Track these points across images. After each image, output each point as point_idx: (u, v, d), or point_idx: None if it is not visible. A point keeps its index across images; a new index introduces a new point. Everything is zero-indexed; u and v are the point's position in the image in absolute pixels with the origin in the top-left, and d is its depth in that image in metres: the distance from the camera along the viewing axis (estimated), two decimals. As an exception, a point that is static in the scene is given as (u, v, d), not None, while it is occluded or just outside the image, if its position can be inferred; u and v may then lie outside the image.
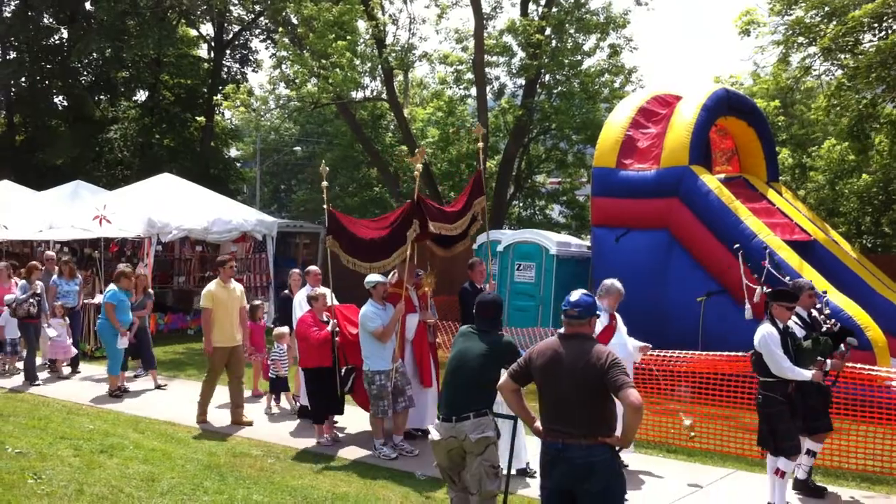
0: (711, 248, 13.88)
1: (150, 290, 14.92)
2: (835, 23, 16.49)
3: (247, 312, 12.03)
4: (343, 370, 10.26)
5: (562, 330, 5.56)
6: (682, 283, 14.04)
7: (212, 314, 11.15)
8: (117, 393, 12.97)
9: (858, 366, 10.09)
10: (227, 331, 11.30)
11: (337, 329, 10.23)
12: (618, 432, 5.44)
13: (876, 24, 16.30)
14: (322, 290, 10.77)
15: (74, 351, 14.82)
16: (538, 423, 5.60)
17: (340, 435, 10.78)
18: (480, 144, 11.94)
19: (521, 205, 28.28)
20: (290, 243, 23.40)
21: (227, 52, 33.35)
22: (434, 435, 6.28)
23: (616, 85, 26.48)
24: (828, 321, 8.81)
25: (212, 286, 11.31)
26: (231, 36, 33.15)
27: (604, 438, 5.28)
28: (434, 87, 29.15)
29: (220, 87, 27.53)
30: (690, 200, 14.24)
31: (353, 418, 11.20)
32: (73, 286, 15.51)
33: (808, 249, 14.21)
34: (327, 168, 11.61)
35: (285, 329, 12.28)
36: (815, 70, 19.19)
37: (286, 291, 12.85)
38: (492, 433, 6.17)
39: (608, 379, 5.18)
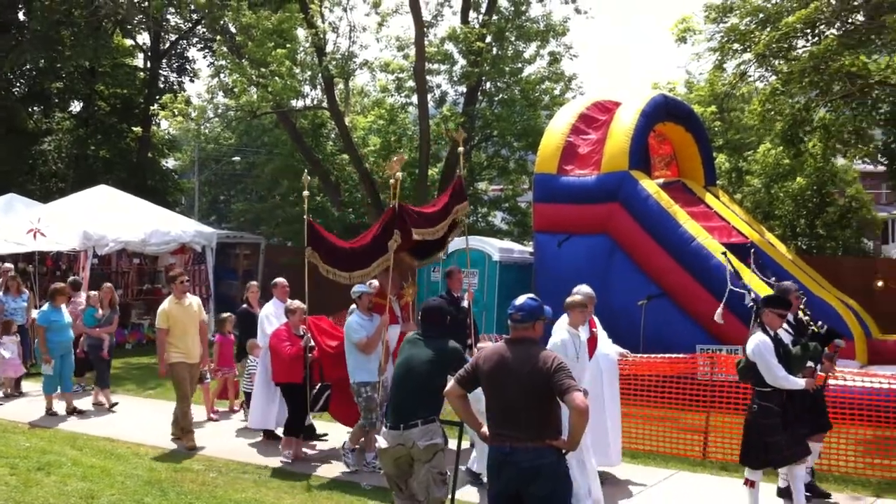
0: (651, 251, 14.06)
1: (117, 306, 14.23)
2: (769, 29, 16.78)
3: (206, 327, 11.48)
4: (316, 388, 9.97)
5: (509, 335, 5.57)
6: (624, 287, 14.16)
7: (167, 334, 10.60)
8: (53, 413, 12.35)
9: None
10: (187, 347, 10.72)
11: (311, 344, 9.93)
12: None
13: (808, 30, 16.60)
14: (297, 303, 10.40)
15: (24, 370, 14.20)
16: (485, 429, 5.59)
17: (311, 452, 10.47)
18: (461, 149, 11.76)
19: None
20: (229, 254, 23.10)
21: (164, 61, 32.88)
22: (381, 443, 6.23)
23: (556, 92, 26.70)
24: (812, 323, 8.68)
25: (166, 304, 10.77)
26: (168, 45, 32.67)
27: (550, 441, 5.29)
28: (375, 95, 29.07)
29: (157, 97, 27.09)
30: (630, 205, 14.40)
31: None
32: (20, 303, 14.87)
33: (745, 252, 14.43)
34: (309, 178, 11.30)
35: (257, 341, 11.76)
36: (750, 76, 19.50)
37: (245, 306, 12.45)
38: (440, 440, 6.14)
39: (554, 382, 5.18)
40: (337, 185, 26.39)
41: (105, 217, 18.97)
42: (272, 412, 10.83)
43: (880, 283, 16.00)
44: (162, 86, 31.93)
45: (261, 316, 11.33)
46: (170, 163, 37.84)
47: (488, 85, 25.78)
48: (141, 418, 12.28)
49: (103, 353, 13.04)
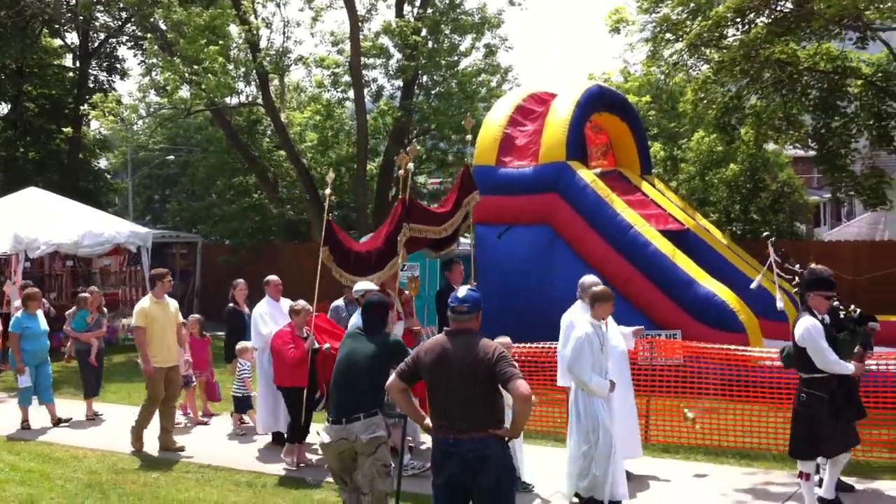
0: (590, 241, 14.17)
1: (105, 310, 13.52)
2: (700, 19, 17.00)
3: (183, 329, 11.09)
4: (317, 395, 9.51)
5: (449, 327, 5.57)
6: (565, 277, 14.22)
7: (145, 333, 10.19)
8: (27, 426, 11.69)
9: (733, 347, 10.47)
10: (164, 350, 10.35)
11: (316, 346, 9.43)
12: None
13: (738, 19, 16.85)
14: (303, 303, 9.78)
15: None
16: (428, 420, 5.59)
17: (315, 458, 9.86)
18: (469, 137, 11.77)
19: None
20: (166, 254, 22.76)
21: (94, 60, 32.20)
22: (324, 437, 6.19)
23: (493, 84, 26.80)
24: (844, 307, 8.20)
25: (145, 303, 10.37)
26: (97, 44, 32.00)
27: (494, 431, 5.31)
28: (311, 91, 28.86)
29: (87, 97, 26.53)
30: (569, 195, 14.50)
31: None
32: None
33: (681, 238, 14.64)
34: (332, 175, 10.82)
35: (248, 343, 11.36)
36: (683, 65, 19.76)
37: (231, 305, 11.95)
38: (382, 433, 6.12)
39: (497, 372, 5.20)
40: (275, 181, 26.17)
41: (36, 219, 18.59)
42: (281, 414, 10.26)
43: (813, 266, 16.26)
44: (92, 85, 31.28)
45: (254, 315, 10.71)
46: (102, 163, 37.13)
47: (425, 78, 25.76)
48: (80, 422, 12.06)
49: (91, 358, 12.41)
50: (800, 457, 7.43)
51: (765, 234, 12.66)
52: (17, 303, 13.87)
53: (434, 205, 12.47)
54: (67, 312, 12.96)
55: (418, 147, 26.46)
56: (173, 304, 10.68)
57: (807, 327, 7.12)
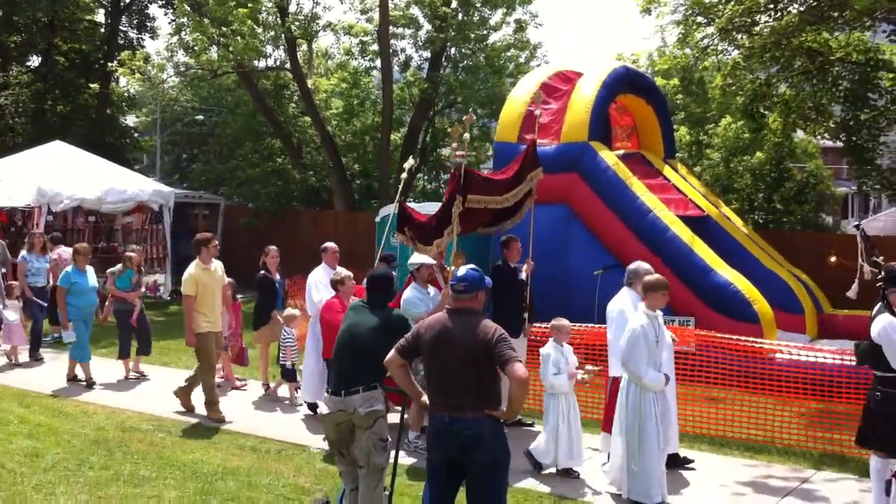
0: (608, 222, 14.11)
1: (143, 268, 13.28)
2: (732, 3, 16.79)
3: (229, 293, 11.06)
4: None
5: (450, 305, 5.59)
6: (581, 257, 14.22)
7: (194, 301, 10.02)
8: (89, 382, 11.70)
9: (744, 338, 10.41)
10: (213, 315, 10.21)
11: None
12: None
13: (772, 6, 16.62)
14: (344, 271, 9.59)
15: (26, 340, 13.35)
16: (425, 398, 5.62)
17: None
18: (539, 112, 11.00)
19: (425, 178, 28.22)
20: (188, 214, 22.86)
21: (124, 17, 32.24)
22: (323, 408, 6.24)
23: (521, 60, 26.62)
24: None
25: (192, 269, 10.12)
26: (128, 1, 32.09)
27: (490, 412, 5.33)
28: (339, 57, 28.79)
29: (117, 53, 26.58)
30: (589, 176, 14.41)
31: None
32: (43, 262, 14.05)
33: (701, 224, 14.54)
34: (412, 161, 10.67)
35: (296, 311, 11.34)
36: (713, 50, 19.54)
37: (262, 272, 11.71)
38: (381, 406, 6.14)
39: (495, 353, 5.21)
40: (299, 147, 26.19)
41: (61, 173, 18.75)
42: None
43: (833, 259, 16.16)
44: (121, 42, 31.37)
45: (309, 282, 10.53)
46: (130, 120, 37.24)
47: (453, 51, 25.59)
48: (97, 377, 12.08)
49: (132, 319, 12.24)
50: (877, 447, 7.07)
51: (854, 223, 12.23)
52: (24, 252, 14.05)
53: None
54: (109, 271, 12.69)
55: (451, 122, 26.45)
56: (220, 267, 10.51)
57: (884, 325, 6.84)
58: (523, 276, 10.05)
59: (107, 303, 12.69)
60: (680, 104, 26.16)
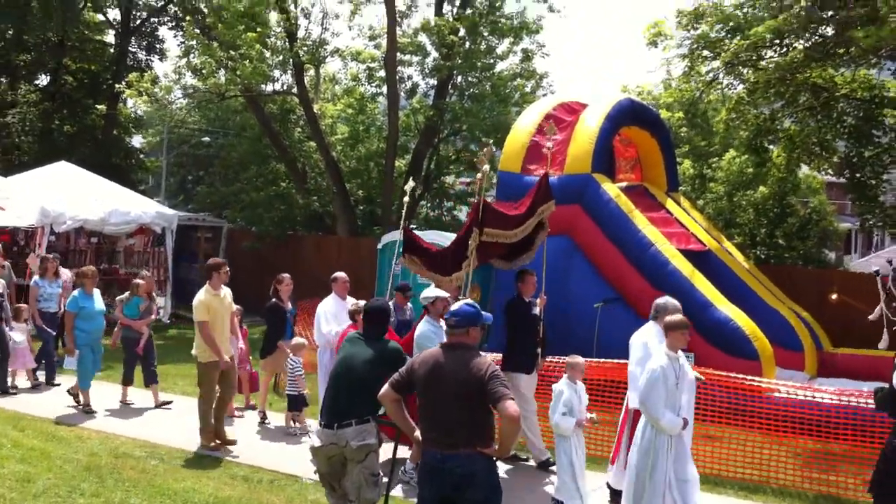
0: (610, 255, 14.09)
1: (154, 294, 12.94)
2: (738, 38, 16.88)
3: (237, 319, 10.91)
4: None
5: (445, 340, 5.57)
6: (582, 290, 14.19)
7: (209, 326, 9.89)
8: (88, 410, 11.58)
9: (741, 376, 10.36)
10: (223, 343, 10.14)
11: None
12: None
13: (777, 41, 16.72)
14: (364, 303, 9.53)
15: (33, 363, 13.17)
16: (418, 433, 5.58)
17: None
18: (550, 145, 11.01)
19: (429, 205, 28.27)
20: (190, 237, 22.88)
21: (134, 38, 32.48)
22: (315, 441, 6.19)
23: (527, 89, 26.70)
24: None
25: (202, 295, 10.00)
26: (139, 22, 32.30)
27: (482, 449, 5.28)
28: (346, 83, 28.94)
29: (125, 74, 26.73)
30: (591, 208, 14.41)
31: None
32: (55, 288, 13.76)
33: (702, 259, 14.53)
34: (413, 184, 10.71)
35: (304, 341, 11.25)
36: (718, 84, 19.63)
37: (274, 300, 11.57)
38: (373, 440, 6.11)
39: (488, 390, 5.18)
40: (303, 172, 26.26)
41: (65, 194, 18.80)
42: None
43: (834, 296, 16.15)
44: (130, 63, 31.55)
45: (319, 312, 10.54)
46: (136, 141, 37.41)
47: (459, 79, 25.74)
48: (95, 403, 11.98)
49: (139, 348, 12.12)
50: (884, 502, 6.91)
51: (874, 269, 12.19)
52: (37, 277, 13.97)
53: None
54: (118, 298, 12.63)
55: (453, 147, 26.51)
56: (228, 293, 10.43)
57: None
58: (537, 310, 9.95)
59: (115, 329, 12.50)
60: (684, 137, 26.23)
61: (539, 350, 9.84)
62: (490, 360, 5.45)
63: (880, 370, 13.66)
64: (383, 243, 18.28)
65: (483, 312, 5.69)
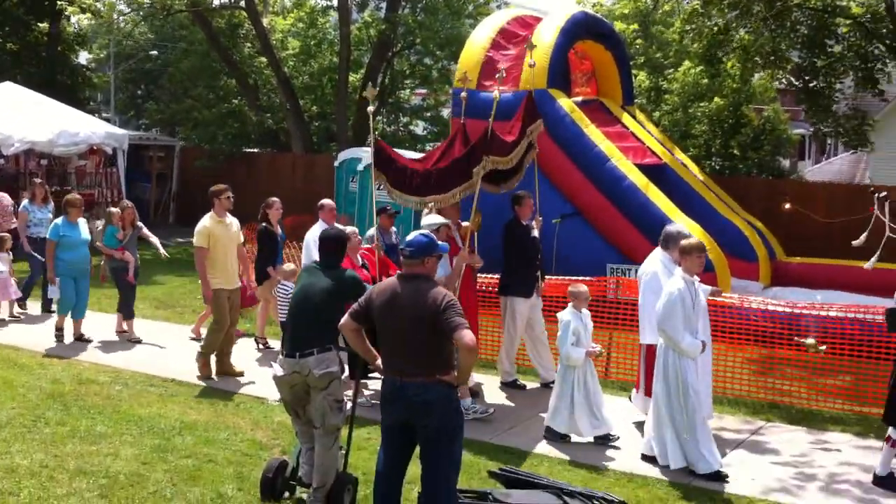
0: (566, 171, 14.12)
1: (140, 224, 12.15)
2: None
3: (244, 249, 10.62)
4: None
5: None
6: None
7: (207, 254, 9.70)
8: (79, 337, 11.35)
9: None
10: (228, 271, 9.92)
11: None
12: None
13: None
14: (352, 229, 9.14)
15: (16, 293, 12.65)
16: (380, 361, 5.66)
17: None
18: (529, 61, 10.71)
19: (384, 120, 28.00)
20: (142, 157, 22.57)
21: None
22: (277, 370, 6.24)
23: (480, 1, 26.31)
24: None
25: (206, 221, 9.78)
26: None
27: (441, 376, 5.37)
28: (296, -5, 28.32)
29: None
30: (547, 123, 14.27)
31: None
32: (45, 213, 13.22)
33: (658, 173, 14.62)
34: (375, 90, 10.17)
35: (293, 266, 10.84)
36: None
37: (264, 224, 11.31)
38: (335, 368, 6.16)
39: (443, 320, 5.22)
40: (255, 88, 25.80)
41: (11, 115, 18.38)
42: None
43: (787, 206, 16.39)
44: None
45: (307, 239, 10.41)
46: (82, 58, 36.37)
47: (412, -10, 25.29)
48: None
49: (129, 276, 11.64)
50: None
51: (872, 190, 12.22)
52: (26, 202, 13.45)
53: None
54: (96, 228, 12.30)
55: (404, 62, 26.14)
56: (235, 222, 10.20)
57: None
58: (535, 233, 9.83)
59: (101, 263, 12.05)
60: (639, 49, 26.10)
61: (539, 273, 9.76)
62: (447, 290, 5.49)
63: (833, 278, 14.05)
64: (340, 160, 18.18)
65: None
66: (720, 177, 19.67)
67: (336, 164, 18.25)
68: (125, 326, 11.89)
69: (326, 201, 10.87)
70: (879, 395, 7.98)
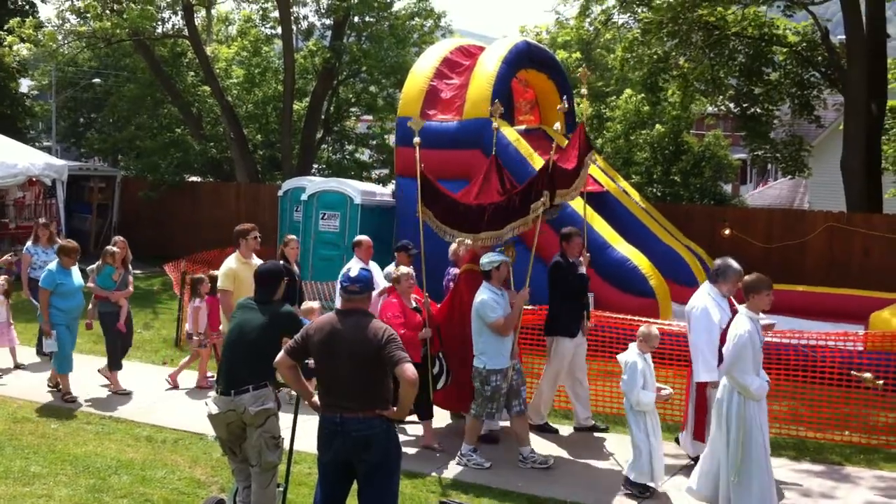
0: (509, 199, 14.18)
1: (129, 266, 11.37)
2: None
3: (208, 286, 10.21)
4: (436, 369, 8.69)
5: (339, 305, 5.57)
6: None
7: (231, 297, 9.24)
8: (69, 398, 10.19)
9: (637, 318, 10.60)
10: None
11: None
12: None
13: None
14: (405, 269, 8.81)
15: (16, 341, 11.91)
16: (316, 398, 5.62)
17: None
18: (584, 91, 10.44)
19: (330, 149, 27.97)
20: (83, 187, 22.20)
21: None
22: (212, 408, 6.14)
23: (426, 29, 26.49)
24: None
25: (232, 263, 9.53)
26: (19, -39, 30.79)
27: (380, 411, 5.35)
28: (239, 24, 28.22)
29: (6, 19, 25.49)
30: (491, 152, 14.45)
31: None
32: (51, 255, 11.49)
33: (600, 200, 14.76)
34: (421, 121, 9.86)
35: (315, 304, 10.09)
36: (613, 23, 19.83)
37: (282, 262, 10.22)
38: (272, 405, 6.10)
39: (385, 354, 5.22)
40: (199, 117, 25.62)
41: (-53, 147, 17.98)
42: None
43: (727, 231, 16.70)
44: (11, 6, 30.07)
45: (364, 275, 9.86)
46: (24, 86, 35.84)
47: (356, 19, 25.35)
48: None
49: (120, 323, 10.75)
50: None
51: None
52: (30, 244, 12.67)
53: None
54: (89, 269, 11.19)
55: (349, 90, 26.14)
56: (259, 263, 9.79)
57: None
58: (582, 270, 9.52)
59: (90, 306, 11.07)
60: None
61: (586, 312, 9.51)
62: (386, 325, 5.48)
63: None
64: (284, 189, 18.06)
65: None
66: (662, 203, 19.93)
67: (280, 193, 18.14)
68: (109, 379, 10.88)
69: (363, 238, 10.33)
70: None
